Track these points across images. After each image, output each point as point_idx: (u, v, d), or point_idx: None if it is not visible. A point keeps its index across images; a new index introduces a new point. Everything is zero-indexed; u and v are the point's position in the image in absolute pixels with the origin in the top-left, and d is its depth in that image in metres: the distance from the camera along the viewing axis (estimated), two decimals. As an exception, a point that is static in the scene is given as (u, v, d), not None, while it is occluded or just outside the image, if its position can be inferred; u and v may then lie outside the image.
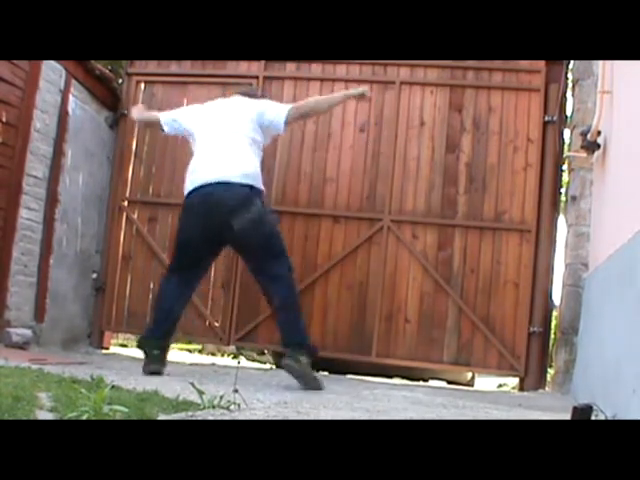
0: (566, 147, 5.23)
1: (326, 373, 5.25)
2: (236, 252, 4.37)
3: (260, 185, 4.02)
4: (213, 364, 5.61)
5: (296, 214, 5.31)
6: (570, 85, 5.37)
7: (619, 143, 3.59)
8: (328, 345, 5.15)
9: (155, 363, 4.01)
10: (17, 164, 4.61)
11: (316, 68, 5.47)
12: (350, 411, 2.47)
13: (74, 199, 5.27)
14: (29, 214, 4.75)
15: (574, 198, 4.95)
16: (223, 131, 4.07)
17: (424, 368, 5.63)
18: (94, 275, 5.56)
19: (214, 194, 3.89)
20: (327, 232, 5.27)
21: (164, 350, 4.11)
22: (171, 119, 4.34)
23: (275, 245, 4.00)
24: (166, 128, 4.36)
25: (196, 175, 4.01)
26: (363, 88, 4.38)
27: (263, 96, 4.52)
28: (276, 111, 4.10)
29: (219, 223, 3.88)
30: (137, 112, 4.59)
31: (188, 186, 4.02)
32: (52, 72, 4.89)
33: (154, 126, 4.57)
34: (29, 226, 4.76)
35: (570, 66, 5.21)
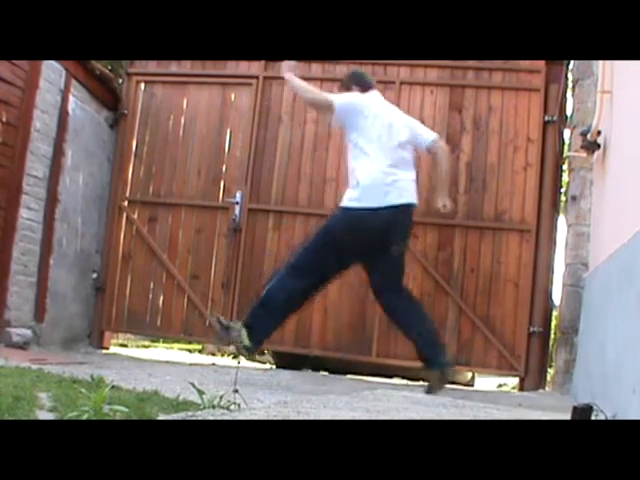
0: (566, 147, 5.23)
1: (326, 373, 5.25)
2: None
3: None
4: (213, 364, 5.61)
5: (296, 214, 5.31)
6: (570, 85, 5.37)
7: (619, 143, 3.59)
8: (328, 345, 5.15)
9: None
10: (17, 164, 4.61)
11: (316, 68, 5.47)
12: (350, 411, 2.47)
13: (74, 199, 5.27)
14: (29, 214, 4.75)
15: (574, 198, 4.95)
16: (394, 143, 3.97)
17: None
18: (94, 275, 5.56)
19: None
20: (327, 232, 5.26)
21: None
22: (350, 104, 3.99)
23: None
24: (338, 115, 3.98)
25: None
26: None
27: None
28: (423, 131, 4.16)
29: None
30: (289, 69, 4.09)
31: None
32: (52, 72, 4.89)
33: (316, 103, 4.24)
34: (29, 226, 4.76)
35: (570, 66, 5.21)
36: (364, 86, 4.18)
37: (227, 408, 2.29)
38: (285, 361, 5.84)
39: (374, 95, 4.15)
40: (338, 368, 5.36)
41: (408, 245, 4.20)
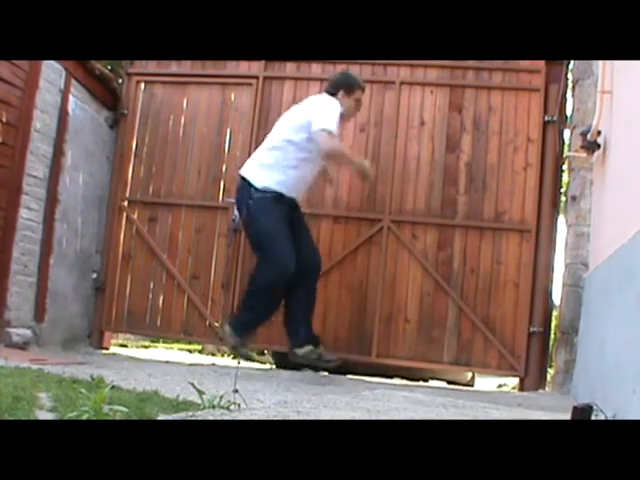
0: (566, 147, 5.23)
1: (326, 373, 5.25)
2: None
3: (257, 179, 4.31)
4: (213, 364, 5.61)
5: (296, 214, 5.30)
6: (570, 85, 5.37)
7: (619, 143, 3.59)
8: (328, 345, 5.14)
9: None
10: (17, 164, 4.61)
11: (316, 68, 5.47)
12: (350, 411, 2.47)
13: (74, 199, 5.27)
14: (29, 214, 4.75)
15: (574, 198, 4.94)
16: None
17: (424, 368, 5.63)
18: (94, 275, 5.56)
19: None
20: (327, 232, 5.26)
21: None
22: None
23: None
24: None
25: None
26: (369, 172, 4.44)
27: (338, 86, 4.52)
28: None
29: None
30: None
31: None
32: (52, 72, 4.89)
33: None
34: (29, 226, 4.76)
35: (570, 66, 5.21)
36: (350, 91, 4.49)
37: (227, 408, 2.29)
38: (285, 361, 5.84)
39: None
40: (338, 368, 5.36)
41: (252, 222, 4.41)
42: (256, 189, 4.28)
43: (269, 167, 4.32)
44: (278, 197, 4.27)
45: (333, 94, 4.43)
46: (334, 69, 5.40)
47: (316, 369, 4.62)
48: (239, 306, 4.54)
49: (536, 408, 3.42)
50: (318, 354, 4.35)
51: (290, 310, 4.44)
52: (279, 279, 4.21)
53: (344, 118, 4.50)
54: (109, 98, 5.64)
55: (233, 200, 5.33)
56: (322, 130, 4.15)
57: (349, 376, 5.19)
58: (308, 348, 4.32)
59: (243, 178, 4.39)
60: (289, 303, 4.42)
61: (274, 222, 4.25)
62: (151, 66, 5.73)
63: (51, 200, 4.96)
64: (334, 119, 4.22)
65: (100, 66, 5.46)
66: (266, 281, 4.24)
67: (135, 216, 5.57)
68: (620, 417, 2.49)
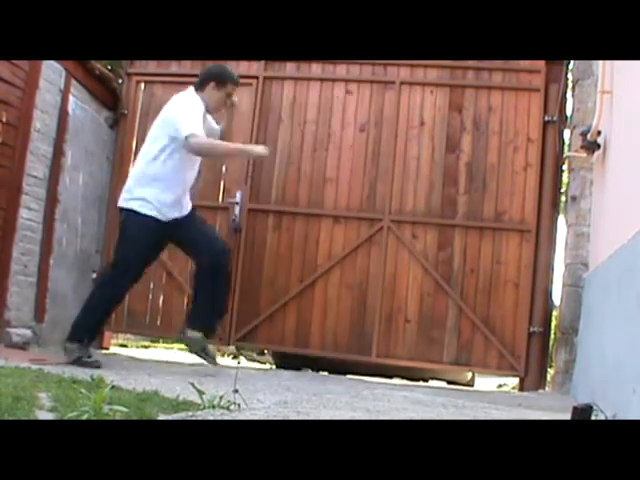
0: (566, 147, 5.23)
1: (326, 373, 5.26)
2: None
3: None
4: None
5: (296, 214, 5.31)
6: (570, 85, 5.37)
7: (619, 143, 3.59)
8: (328, 345, 5.15)
9: None
10: (17, 164, 4.61)
11: (316, 68, 5.47)
12: (350, 411, 2.47)
13: (74, 199, 5.27)
14: (29, 214, 4.75)
15: (574, 198, 4.94)
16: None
17: (424, 368, 5.63)
18: (94, 275, 5.55)
19: None
20: (327, 232, 5.26)
21: None
22: None
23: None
24: None
25: None
26: (262, 148, 4.42)
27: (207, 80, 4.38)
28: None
29: None
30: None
31: None
32: (52, 72, 4.89)
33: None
34: (29, 226, 4.76)
35: (570, 66, 5.21)
36: (221, 84, 4.36)
37: (227, 408, 2.29)
38: (285, 361, 5.84)
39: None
40: (338, 368, 5.36)
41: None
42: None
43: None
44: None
45: (199, 88, 4.32)
46: (334, 69, 5.42)
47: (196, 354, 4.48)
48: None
49: (536, 408, 3.42)
50: (204, 346, 4.31)
51: (195, 294, 4.44)
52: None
53: (211, 111, 4.38)
54: (109, 98, 5.64)
55: (233, 200, 5.35)
56: (188, 137, 4.07)
57: (349, 376, 5.19)
58: (197, 334, 4.26)
59: None
60: (195, 288, 4.43)
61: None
62: (151, 66, 5.73)
63: (51, 200, 4.96)
64: (197, 120, 4.17)
65: (100, 66, 5.46)
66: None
67: (135, 216, 5.56)
68: (620, 417, 2.49)
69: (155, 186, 4.16)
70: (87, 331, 4.22)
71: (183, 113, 4.16)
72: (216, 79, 4.33)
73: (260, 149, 4.40)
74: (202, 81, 4.34)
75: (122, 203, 4.27)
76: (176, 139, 4.10)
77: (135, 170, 4.38)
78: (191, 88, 4.34)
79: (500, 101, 5.17)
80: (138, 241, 4.19)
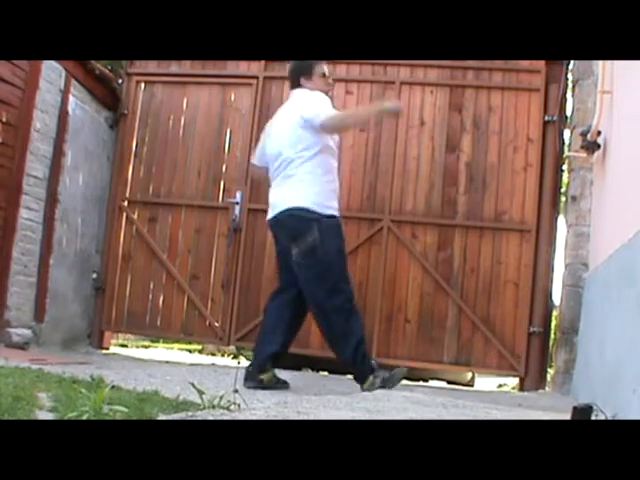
0: (566, 147, 5.23)
1: (326, 373, 5.25)
2: None
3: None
4: (213, 364, 5.60)
5: (296, 214, 5.30)
6: (570, 85, 5.37)
7: (619, 143, 3.59)
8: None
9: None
10: (17, 164, 4.61)
11: (316, 68, 5.46)
12: (350, 411, 2.47)
13: (74, 199, 5.27)
14: (29, 214, 4.75)
15: (574, 198, 4.94)
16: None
17: (424, 368, 5.62)
18: (94, 275, 5.56)
19: None
20: (327, 232, 5.25)
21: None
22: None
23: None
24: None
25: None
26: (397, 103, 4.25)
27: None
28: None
29: None
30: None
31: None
32: (52, 72, 4.89)
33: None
34: (29, 226, 4.76)
35: (570, 66, 5.21)
36: (307, 76, 3.92)
37: (227, 408, 2.29)
38: (285, 361, 5.83)
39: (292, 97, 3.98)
40: (338, 368, 5.35)
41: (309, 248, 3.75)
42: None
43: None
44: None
45: (301, 85, 3.94)
46: (334, 69, 5.40)
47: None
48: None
49: (536, 408, 3.42)
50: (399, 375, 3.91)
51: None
52: None
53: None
54: (109, 98, 5.64)
55: (233, 200, 5.35)
56: (325, 120, 3.74)
57: (349, 376, 5.18)
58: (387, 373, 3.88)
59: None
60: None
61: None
62: (151, 66, 5.73)
63: (51, 200, 4.96)
64: (329, 106, 3.85)
65: (100, 66, 5.46)
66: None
67: (135, 216, 5.58)
68: (620, 417, 2.49)
69: None
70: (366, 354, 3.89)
71: (315, 104, 3.82)
72: (304, 73, 3.92)
73: (392, 104, 4.17)
74: (297, 83, 3.96)
75: None
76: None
77: None
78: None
79: (500, 101, 5.17)
80: None
